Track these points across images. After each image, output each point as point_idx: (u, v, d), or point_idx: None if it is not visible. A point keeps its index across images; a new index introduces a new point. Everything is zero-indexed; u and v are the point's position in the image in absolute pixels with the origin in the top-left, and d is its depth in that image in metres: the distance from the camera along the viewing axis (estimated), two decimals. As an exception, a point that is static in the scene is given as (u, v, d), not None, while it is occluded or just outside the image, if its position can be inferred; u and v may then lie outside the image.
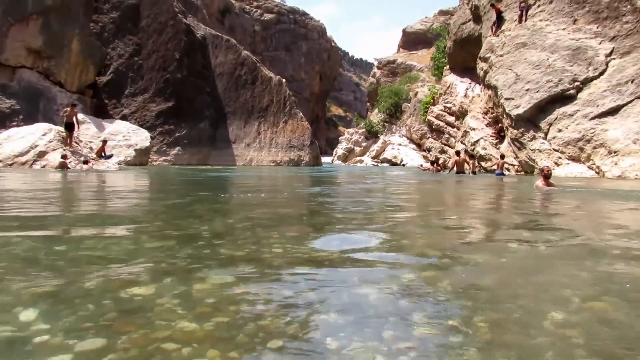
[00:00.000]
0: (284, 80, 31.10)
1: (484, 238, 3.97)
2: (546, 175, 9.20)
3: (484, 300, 2.01)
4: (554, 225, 4.74)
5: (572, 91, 16.62)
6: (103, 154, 18.71)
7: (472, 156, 20.36)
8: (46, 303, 1.84)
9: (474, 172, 18.31)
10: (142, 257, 2.68)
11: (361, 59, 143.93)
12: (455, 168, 18.54)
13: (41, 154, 16.64)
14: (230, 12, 68.82)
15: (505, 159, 17.33)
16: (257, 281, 2.24)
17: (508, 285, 2.31)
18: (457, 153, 19.54)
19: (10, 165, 16.27)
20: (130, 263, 2.52)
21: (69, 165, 15.96)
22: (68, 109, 17.85)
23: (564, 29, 17.96)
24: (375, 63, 58.71)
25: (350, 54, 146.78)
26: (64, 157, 16.12)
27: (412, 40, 58.45)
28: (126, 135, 22.30)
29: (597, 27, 17.08)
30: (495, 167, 17.64)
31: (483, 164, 20.35)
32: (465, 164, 18.47)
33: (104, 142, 19.56)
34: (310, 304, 1.90)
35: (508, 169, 17.33)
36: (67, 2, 23.49)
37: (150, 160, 23.98)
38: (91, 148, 18.96)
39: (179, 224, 4.27)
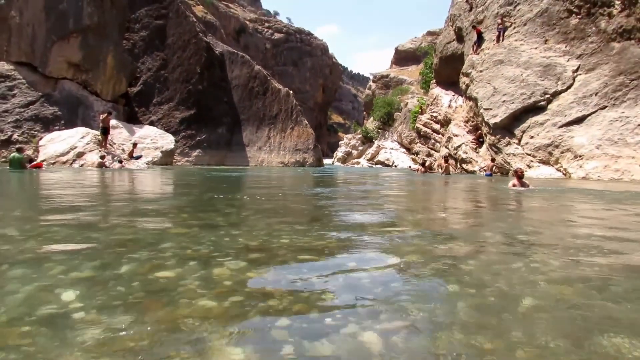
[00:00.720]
0: (291, 91, 31.07)
1: (466, 225, 3.97)
2: (519, 176, 9.15)
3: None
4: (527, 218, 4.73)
5: (543, 102, 16.55)
6: (133, 155, 18.73)
7: (450, 158, 20.48)
8: (83, 284, 1.85)
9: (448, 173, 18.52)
10: (167, 244, 2.69)
11: (359, 73, 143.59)
12: (444, 170, 18.77)
13: (80, 154, 16.66)
14: (245, 32, 68.81)
15: (495, 163, 17.10)
16: (268, 265, 2.24)
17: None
18: (446, 159, 19.56)
19: (53, 163, 16.29)
20: (157, 248, 2.53)
21: (106, 164, 16.00)
22: (104, 115, 17.90)
23: (536, 48, 17.88)
24: (371, 77, 58.58)
25: (349, 69, 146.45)
26: (102, 157, 16.17)
27: (403, 58, 58.29)
28: (153, 138, 22.31)
29: (566, 47, 16.99)
30: (485, 169, 17.60)
31: (464, 166, 20.29)
32: (450, 167, 18.79)
33: (134, 144, 19.58)
34: (312, 285, 1.91)
35: (496, 171, 17.19)
36: (103, 23, 23.49)
37: (174, 160, 23.97)
38: (123, 150, 18.98)
39: (201, 216, 4.27)
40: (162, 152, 21.62)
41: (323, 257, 2.46)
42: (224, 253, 2.46)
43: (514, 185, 9.04)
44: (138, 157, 18.71)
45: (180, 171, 16.77)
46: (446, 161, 19.29)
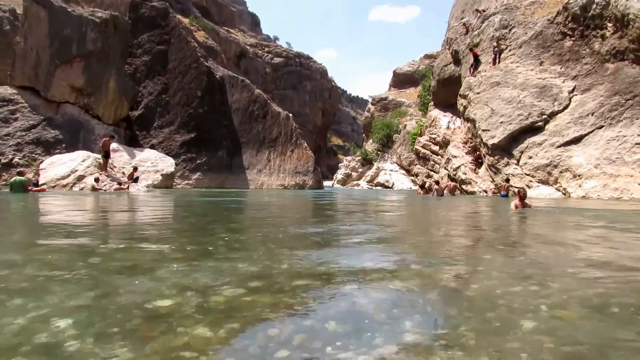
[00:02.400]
0: (290, 114, 31.28)
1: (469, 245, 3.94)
2: (522, 197, 9.07)
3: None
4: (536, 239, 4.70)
5: (540, 123, 16.67)
6: (132, 178, 18.74)
7: (449, 179, 20.63)
8: (80, 313, 1.82)
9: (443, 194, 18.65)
10: (166, 270, 2.66)
11: (357, 96, 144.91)
12: (448, 191, 18.98)
13: (80, 178, 16.68)
14: (245, 56, 69.74)
15: (510, 183, 16.83)
16: (268, 292, 2.22)
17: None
18: (452, 179, 19.73)
19: (53, 187, 16.29)
20: (155, 275, 2.50)
21: (100, 188, 15.96)
22: (105, 139, 18.01)
23: (532, 69, 18.12)
24: (370, 100, 59.06)
25: (348, 92, 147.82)
26: (96, 180, 16.13)
27: (401, 80, 58.93)
28: (154, 162, 22.36)
29: (561, 68, 17.22)
30: (498, 189, 17.49)
31: (464, 187, 20.29)
32: (447, 188, 18.99)
33: (135, 168, 19.58)
34: (311, 311, 1.88)
35: (511, 191, 16.87)
36: (106, 48, 23.82)
37: (174, 184, 23.98)
38: (123, 173, 19.00)
39: (200, 240, 4.25)
40: (162, 175, 21.64)
41: (323, 282, 2.43)
42: (222, 280, 2.43)
43: (515, 206, 8.95)
44: (135, 179, 18.69)
45: (180, 194, 16.76)
46: (451, 180, 19.41)
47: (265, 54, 74.43)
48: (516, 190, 9.78)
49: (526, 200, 9.19)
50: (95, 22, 23.29)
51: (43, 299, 2.00)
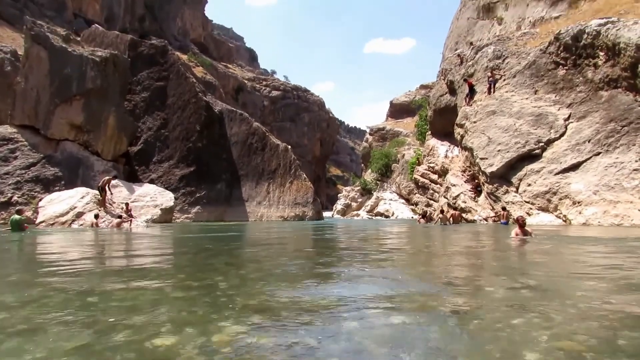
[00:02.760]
0: (289, 146, 31.51)
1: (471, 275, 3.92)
2: (521, 225, 9.04)
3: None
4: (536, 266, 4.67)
5: (537, 151, 16.80)
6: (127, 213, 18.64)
7: (449, 208, 20.80)
8: (78, 355, 1.81)
9: (449, 222, 18.99)
10: (165, 308, 2.65)
11: (355, 126, 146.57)
12: (452, 220, 19.13)
13: (79, 215, 16.66)
14: (243, 90, 70.89)
15: (508, 211, 16.76)
16: (269, 329, 2.20)
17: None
18: (453, 208, 19.83)
19: (52, 224, 16.24)
20: (155, 313, 2.49)
21: (99, 224, 15.90)
22: (106, 178, 18.26)
23: (527, 98, 18.40)
24: (368, 130, 59.62)
25: (346, 123, 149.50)
26: (95, 216, 16.10)
27: (398, 110, 59.69)
28: (153, 196, 22.37)
29: (555, 96, 17.49)
30: (494, 218, 17.52)
31: (464, 215, 20.25)
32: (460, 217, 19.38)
33: (127, 204, 19.02)
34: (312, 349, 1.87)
35: (512, 218, 16.73)
36: (105, 86, 24.23)
37: (174, 217, 23.92)
38: (122, 209, 18.96)
39: (199, 276, 4.23)
40: (161, 209, 21.60)
41: (324, 317, 2.42)
42: (222, 316, 2.42)
43: (516, 234, 8.92)
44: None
45: (180, 229, 16.69)
46: (453, 209, 19.51)
47: (263, 88, 75.69)
48: (514, 218, 9.76)
49: (526, 228, 9.17)
50: (95, 61, 23.77)
51: (40, 341, 1.99)
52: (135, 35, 35.94)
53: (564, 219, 14.91)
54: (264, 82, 78.13)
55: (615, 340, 1.97)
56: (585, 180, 14.91)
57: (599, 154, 15.20)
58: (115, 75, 25.27)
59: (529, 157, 16.96)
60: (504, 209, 16.65)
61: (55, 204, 17.41)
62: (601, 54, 15.85)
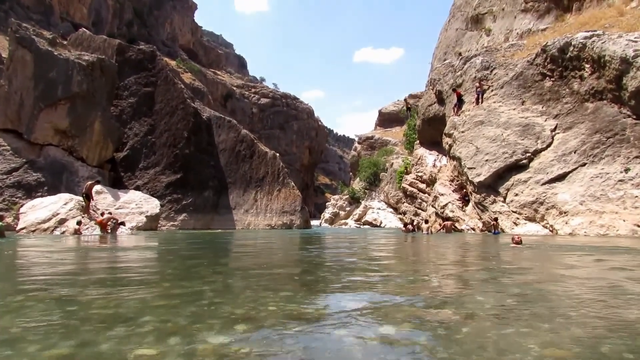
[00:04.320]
0: (277, 154, 31.49)
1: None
2: (517, 242, 9.08)
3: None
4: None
5: (524, 161, 17.01)
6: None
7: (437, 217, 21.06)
8: (59, 364, 1.77)
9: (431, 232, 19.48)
10: (149, 317, 2.60)
11: (344, 135, 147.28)
12: (444, 229, 19.41)
13: (62, 221, 16.39)
14: (232, 97, 70.87)
15: (498, 221, 16.82)
16: (255, 339, 2.17)
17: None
18: (448, 219, 20.02)
19: (33, 231, 15.96)
20: (137, 322, 2.44)
21: (82, 231, 15.66)
22: (89, 183, 17.98)
23: (514, 109, 18.65)
24: (356, 139, 59.88)
25: (334, 131, 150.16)
26: (78, 223, 15.84)
27: (386, 119, 60.06)
28: (138, 203, 22.13)
29: (542, 107, 17.76)
30: (486, 228, 17.56)
31: (457, 224, 20.33)
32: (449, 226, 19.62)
33: (102, 213, 18.61)
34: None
35: (501, 229, 16.77)
36: (91, 90, 24.01)
37: (159, 225, 23.66)
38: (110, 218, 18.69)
39: (184, 284, 4.17)
40: (147, 217, 21.36)
41: (313, 326, 2.40)
42: (207, 325, 2.38)
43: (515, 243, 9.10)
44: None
45: (165, 237, 16.53)
46: (443, 219, 19.67)
47: (252, 95, 75.74)
48: (511, 237, 9.83)
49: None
50: (82, 65, 23.57)
51: (20, 351, 1.94)
52: (123, 40, 35.78)
53: (551, 228, 15.08)
54: (253, 90, 78.23)
55: (599, 347, 1.98)
56: (572, 191, 15.11)
57: (584, 164, 15.43)
58: (102, 80, 25.08)
59: (516, 167, 17.15)
60: (495, 219, 16.66)
61: (37, 210, 17.12)
62: (587, 66, 16.16)
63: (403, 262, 7.21)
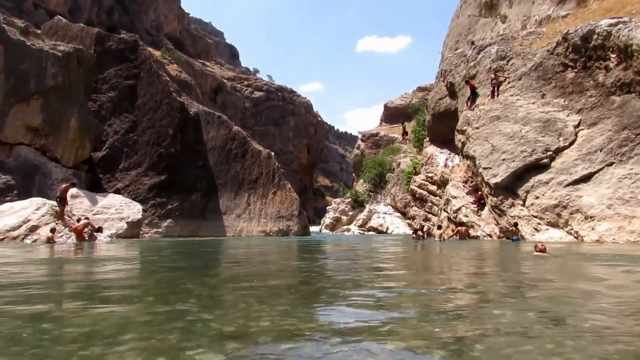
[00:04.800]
0: (272, 153, 31.47)
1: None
2: (541, 250, 9.02)
3: None
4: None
5: (545, 160, 16.98)
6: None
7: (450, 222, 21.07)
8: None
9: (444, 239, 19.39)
10: (129, 335, 2.57)
11: (346, 132, 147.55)
12: (457, 236, 19.26)
13: (33, 229, 16.34)
14: (222, 91, 70.92)
15: (518, 227, 16.76)
16: (246, 357, 2.15)
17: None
18: (462, 224, 19.97)
19: (1, 240, 15.89)
20: (117, 341, 2.42)
21: (56, 240, 15.61)
22: (64, 186, 17.93)
23: (533, 102, 18.62)
24: (360, 136, 59.85)
25: (335, 128, 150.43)
26: (52, 230, 15.77)
27: (393, 115, 60.03)
28: (118, 208, 22.09)
29: (564, 101, 17.74)
30: (502, 234, 17.54)
31: (472, 230, 20.31)
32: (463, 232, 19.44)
33: (78, 220, 18.59)
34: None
35: (521, 235, 16.71)
36: (67, 83, 24.01)
37: (141, 232, 23.63)
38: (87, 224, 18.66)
39: (170, 299, 4.15)
40: (127, 223, 21.33)
41: (311, 344, 2.37)
42: (195, 344, 2.35)
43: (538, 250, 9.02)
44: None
45: (148, 245, 16.50)
46: (457, 225, 19.70)
47: (245, 88, 75.82)
48: (534, 245, 9.79)
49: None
50: (57, 56, 23.58)
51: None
52: (102, 29, 35.86)
53: (576, 235, 15.05)
54: (246, 82, 78.29)
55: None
56: (598, 193, 15.07)
57: (612, 164, 15.41)
58: (79, 72, 25.09)
59: (537, 167, 17.13)
60: (515, 225, 16.59)
61: (5, 216, 17.07)
62: (612, 56, 16.15)
63: (413, 273, 7.19)
